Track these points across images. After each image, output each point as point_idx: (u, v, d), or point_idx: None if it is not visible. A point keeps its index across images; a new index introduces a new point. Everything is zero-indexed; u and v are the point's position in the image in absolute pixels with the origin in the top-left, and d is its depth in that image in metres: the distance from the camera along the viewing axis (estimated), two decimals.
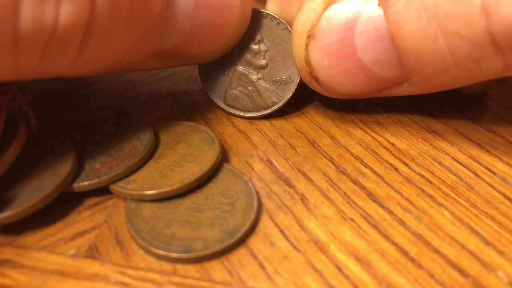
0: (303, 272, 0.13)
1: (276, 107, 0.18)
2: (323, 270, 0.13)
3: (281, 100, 0.18)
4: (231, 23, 0.17)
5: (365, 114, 0.19)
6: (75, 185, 0.15)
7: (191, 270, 0.13)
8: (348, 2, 0.16)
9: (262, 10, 0.18)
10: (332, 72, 0.16)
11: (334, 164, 0.17)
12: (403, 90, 0.16)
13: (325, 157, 0.17)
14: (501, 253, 0.14)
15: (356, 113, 0.19)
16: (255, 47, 0.18)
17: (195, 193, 0.15)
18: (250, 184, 0.15)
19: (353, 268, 0.13)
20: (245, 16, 0.17)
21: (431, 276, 0.13)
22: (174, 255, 0.13)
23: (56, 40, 0.13)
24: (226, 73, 0.18)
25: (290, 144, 0.17)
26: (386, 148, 0.17)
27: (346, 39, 0.15)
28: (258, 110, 0.18)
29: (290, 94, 0.18)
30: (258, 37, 0.18)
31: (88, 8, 0.13)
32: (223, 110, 0.19)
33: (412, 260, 0.13)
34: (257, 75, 0.18)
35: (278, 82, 0.18)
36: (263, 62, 0.18)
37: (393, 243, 0.14)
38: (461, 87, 0.18)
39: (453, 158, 0.17)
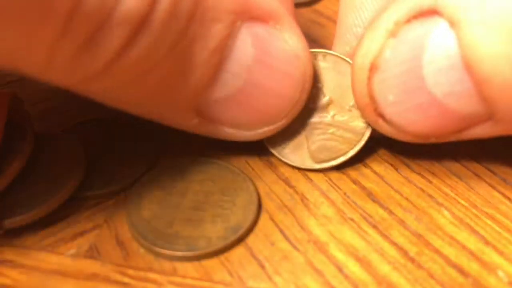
0: (303, 272, 0.13)
1: (368, 131, 0.16)
2: (323, 270, 0.13)
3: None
4: (287, 96, 0.15)
5: None
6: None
7: (191, 270, 0.13)
8: (413, 28, 0.13)
9: None
10: (400, 108, 0.14)
11: None
12: (488, 130, 0.14)
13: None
14: (501, 253, 0.14)
15: None
16: (312, 90, 0.16)
17: (195, 192, 0.15)
18: (248, 180, 0.15)
19: (353, 268, 0.13)
20: (303, 95, 0.15)
21: (431, 276, 0.13)
22: (179, 253, 0.14)
23: (108, 26, 0.11)
24: (296, 135, 0.16)
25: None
26: (386, 148, 0.17)
27: (413, 70, 0.13)
28: (353, 146, 0.16)
29: None
30: None
31: (150, 1, 0.12)
32: (318, 171, 0.16)
33: (412, 260, 0.13)
34: (328, 114, 0.16)
35: (354, 106, 0.16)
36: (327, 98, 0.16)
37: (393, 243, 0.14)
38: None
39: (453, 158, 0.17)
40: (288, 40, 0.14)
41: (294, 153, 0.16)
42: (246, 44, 0.14)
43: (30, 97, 0.20)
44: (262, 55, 0.14)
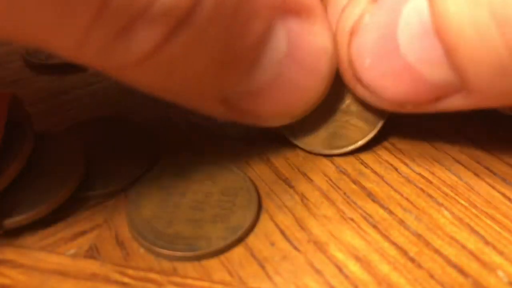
0: (303, 272, 0.13)
1: (381, 122, 0.16)
2: (323, 270, 0.13)
3: (382, 112, 0.16)
4: (312, 89, 0.15)
5: None
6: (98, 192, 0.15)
7: (191, 270, 0.13)
8: None
9: None
10: (375, 73, 0.14)
11: (334, 164, 0.17)
12: (462, 101, 0.14)
13: (325, 157, 0.17)
14: (501, 253, 0.14)
15: None
16: None
17: (195, 192, 0.15)
18: (248, 180, 0.15)
19: (353, 268, 0.13)
20: (325, 89, 0.15)
21: (431, 276, 0.13)
22: (179, 253, 0.14)
23: (146, 17, 0.11)
24: (311, 119, 0.16)
25: (290, 143, 0.17)
26: (386, 148, 0.17)
27: (388, 35, 0.14)
28: (364, 136, 0.16)
29: None
30: None
31: None
32: (328, 155, 0.17)
33: (412, 260, 0.13)
34: (344, 102, 0.16)
35: None
36: (345, 86, 0.16)
37: (393, 243, 0.14)
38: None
39: (453, 158, 0.17)
40: (318, 35, 0.14)
41: (307, 137, 0.17)
42: (279, 39, 0.14)
43: (30, 97, 0.20)
44: (294, 50, 0.14)
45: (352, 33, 0.14)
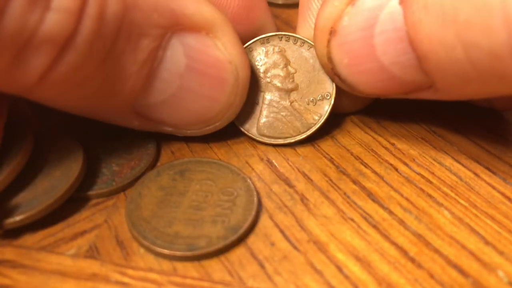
0: (303, 272, 0.13)
1: (315, 127, 0.17)
2: (323, 270, 0.13)
3: (319, 119, 0.17)
4: (221, 99, 0.16)
5: (365, 114, 0.19)
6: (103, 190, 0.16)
7: (191, 270, 0.13)
8: None
9: (283, 33, 0.17)
10: (353, 70, 0.15)
11: (334, 164, 0.17)
12: (430, 95, 0.15)
13: (325, 157, 0.17)
14: (501, 253, 0.14)
15: (356, 113, 0.19)
16: (281, 72, 0.17)
17: (195, 192, 0.15)
18: (248, 180, 0.15)
19: (353, 268, 0.13)
20: (237, 99, 0.16)
21: (431, 276, 0.13)
22: (179, 253, 0.14)
23: (33, 45, 0.13)
24: (255, 102, 0.17)
25: (289, 144, 0.17)
26: (386, 148, 0.17)
27: (366, 38, 0.15)
28: (296, 135, 0.17)
29: (328, 110, 0.17)
30: (284, 61, 0.17)
31: (73, 22, 0.13)
32: (256, 141, 0.17)
33: (412, 260, 0.13)
34: (288, 98, 0.17)
35: (313, 101, 0.17)
36: (292, 85, 0.17)
37: (393, 243, 0.14)
38: (493, 103, 0.17)
39: (453, 158, 0.17)
40: (220, 48, 0.15)
41: (246, 121, 0.17)
42: (177, 53, 0.15)
43: None
44: (194, 62, 0.15)
45: (332, 32, 0.15)
